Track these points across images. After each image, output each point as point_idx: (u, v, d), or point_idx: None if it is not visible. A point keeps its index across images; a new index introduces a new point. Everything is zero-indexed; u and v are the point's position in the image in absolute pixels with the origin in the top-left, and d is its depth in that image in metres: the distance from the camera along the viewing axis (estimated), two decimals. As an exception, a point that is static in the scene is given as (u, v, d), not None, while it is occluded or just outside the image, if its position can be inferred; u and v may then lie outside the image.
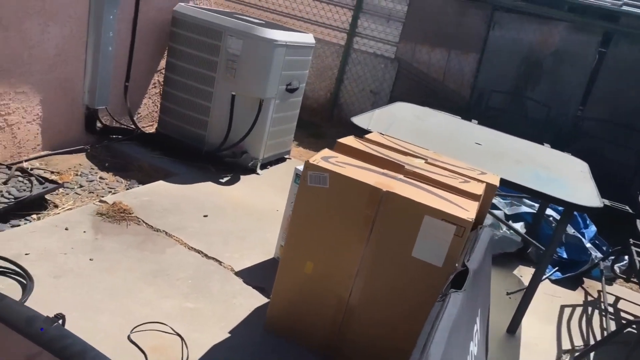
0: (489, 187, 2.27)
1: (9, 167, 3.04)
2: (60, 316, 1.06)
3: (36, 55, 3.25)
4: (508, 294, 3.35)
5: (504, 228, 3.83)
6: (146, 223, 2.95)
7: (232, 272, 2.70)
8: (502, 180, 2.45)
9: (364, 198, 1.99)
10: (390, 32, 5.89)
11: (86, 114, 3.79)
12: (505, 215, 4.08)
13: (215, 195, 3.52)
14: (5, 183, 2.85)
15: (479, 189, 2.14)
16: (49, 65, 3.36)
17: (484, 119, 4.26)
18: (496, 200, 4.18)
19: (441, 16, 5.64)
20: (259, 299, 2.54)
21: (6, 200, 2.71)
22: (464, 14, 5.54)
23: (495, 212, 3.99)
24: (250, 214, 3.38)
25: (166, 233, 2.90)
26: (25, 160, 3.38)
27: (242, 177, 3.91)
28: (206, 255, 2.78)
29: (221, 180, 3.76)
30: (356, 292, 2.12)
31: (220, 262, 2.75)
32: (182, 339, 2.15)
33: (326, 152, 2.20)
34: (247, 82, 3.76)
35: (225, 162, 3.92)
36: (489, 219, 3.73)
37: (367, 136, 2.56)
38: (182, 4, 3.96)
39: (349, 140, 2.37)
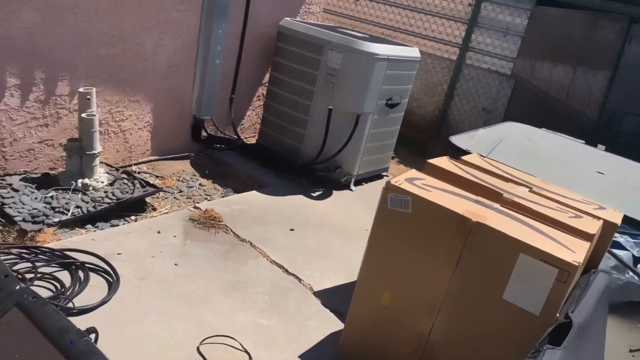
0: (607, 224, 1.92)
1: (117, 169, 3.26)
2: (92, 330, 1.02)
3: (150, 66, 3.47)
4: (632, 351, 2.85)
5: (631, 273, 3.28)
6: (233, 232, 2.97)
7: (311, 292, 2.60)
8: (626, 218, 2.07)
9: (450, 227, 1.78)
10: (507, 47, 5.48)
11: (193, 123, 3.97)
12: (634, 257, 3.51)
13: (305, 209, 3.46)
14: (111, 184, 3.05)
15: (592, 227, 1.81)
16: (161, 76, 3.57)
17: (613, 144, 3.74)
18: (622, 239, 3.62)
19: (567, 30, 5.12)
20: (335, 324, 2.40)
21: (109, 201, 2.88)
22: (594, 27, 4.98)
23: (620, 252, 3.45)
24: (338, 231, 3.26)
25: (251, 244, 2.89)
26: (135, 164, 3.62)
27: (334, 192, 3.82)
28: (287, 271, 2.71)
29: (312, 194, 3.71)
30: (437, 330, 1.90)
31: (300, 280, 2.67)
32: (249, 356, 2.08)
33: (413, 173, 2.01)
34: (345, 96, 3.68)
35: (319, 176, 3.86)
36: (610, 261, 3.22)
37: (464, 158, 2.33)
38: (288, 19, 4.00)
39: (441, 162, 2.16)
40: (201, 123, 4.00)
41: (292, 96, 3.92)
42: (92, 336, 1.04)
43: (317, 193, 3.75)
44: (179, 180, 3.61)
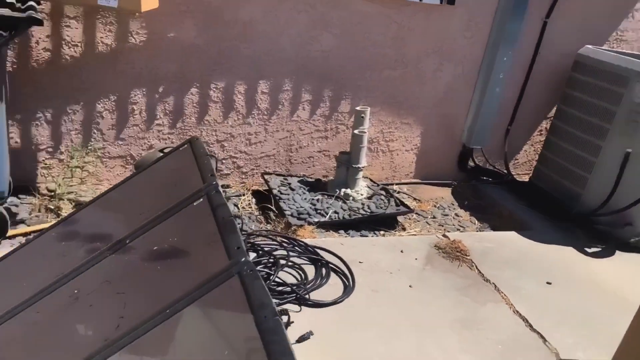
0: None
1: (378, 185, 3.42)
2: (285, 313, 1.06)
3: (426, 91, 3.54)
4: None
5: None
6: (478, 269, 2.75)
7: (556, 358, 2.18)
8: None
9: None
10: None
11: (461, 151, 3.88)
12: None
13: (572, 263, 2.95)
14: (369, 198, 3.22)
15: None
16: (435, 101, 3.61)
17: None
18: None
19: None
20: (580, 407, 1.95)
21: (363, 213, 3.04)
22: None
23: None
24: (611, 298, 2.66)
25: (495, 286, 2.62)
26: (397, 184, 3.74)
27: (617, 252, 3.14)
28: (530, 326, 2.34)
29: (587, 249, 3.13)
30: None
31: (544, 340, 2.27)
32: (463, 406, 1.86)
33: None
34: (651, 138, 3.00)
35: (599, 230, 3.24)
36: None
37: None
38: (590, 46, 3.53)
39: None
40: (470, 152, 3.87)
41: (580, 134, 3.43)
42: (285, 318, 1.08)
43: (594, 250, 3.15)
44: (435, 206, 3.56)
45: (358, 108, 3.13)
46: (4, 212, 2.20)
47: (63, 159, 2.79)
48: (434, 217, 3.41)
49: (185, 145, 1.83)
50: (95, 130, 2.80)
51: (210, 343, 1.07)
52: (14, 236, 2.32)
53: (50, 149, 2.75)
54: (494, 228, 3.37)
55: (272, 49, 3.01)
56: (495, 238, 3.13)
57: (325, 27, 3.09)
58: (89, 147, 2.80)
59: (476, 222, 3.45)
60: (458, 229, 3.30)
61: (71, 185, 2.76)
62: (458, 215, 3.50)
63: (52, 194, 2.65)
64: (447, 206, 3.60)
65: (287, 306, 2.19)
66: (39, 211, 2.58)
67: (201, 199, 1.48)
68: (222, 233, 1.31)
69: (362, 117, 3.12)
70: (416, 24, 3.31)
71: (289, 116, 3.24)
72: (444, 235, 3.04)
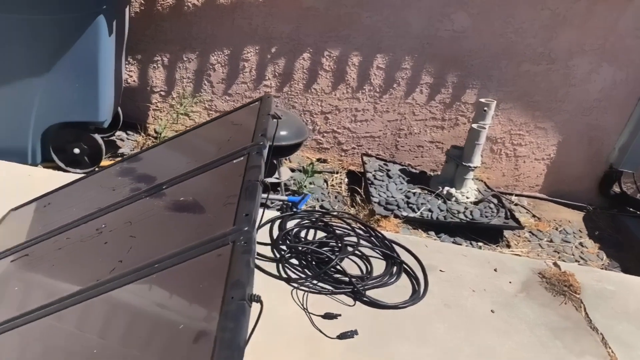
0: None
1: (492, 190, 3.02)
2: (257, 300, 0.89)
3: (573, 94, 3.01)
4: None
5: None
6: (586, 312, 2.26)
7: None
8: None
9: None
10: None
11: (605, 172, 3.27)
12: None
13: None
14: (475, 203, 2.85)
15: None
16: (583, 107, 3.05)
17: None
18: None
19: None
20: None
21: (463, 217, 2.70)
22: None
23: None
24: None
25: (602, 338, 2.13)
26: (516, 195, 3.28)
27: None
28: (634, 400, 1.86)
29: None
30: None
31: None
32: None
33: None
34: None
35: None
36: None
37: None
38: None
39: None
40: (617, 175, 3.24)
41: None
42: (257, 305, 0.92)
43: None
44: (556, 229, 3.05)
45: (482, 100, 2.76)
46: (100, 141, 2.34)
47: (173, 104, 2.90)
48: (551, 241, 2.92)
49: (257, 102, 1.73)
50: (206, 82, 2.86)
51: (175, 312, 0.96)
52: (107, 167, 2.47)
53: (163, 93, 2.88)
54: (626, 270, 2.78)
55: (396, 22, 2.77)
56: (621, 281, 2.57)
57: (462, 4, 2.75)
58: (198, 97, 2.88)
59: (604, 258, 2.88)
60: (577, 261, 2.79)
61: (175, 131, 2.87)
62: (582, 245, 2.95)
63: (157, 135, 2.78)
64: (572, 232, 3.06)
65: (341, 298, 2.03)
66: (140, 149, 2.73)
67: (242, 158, 1.36)
68: (240, 196, 1.17)
69: (485, 110, 2.75)
70: (575, 13, 2.79)
71: (403, 97, 2.99)
72: (555, 264, 2.57)
